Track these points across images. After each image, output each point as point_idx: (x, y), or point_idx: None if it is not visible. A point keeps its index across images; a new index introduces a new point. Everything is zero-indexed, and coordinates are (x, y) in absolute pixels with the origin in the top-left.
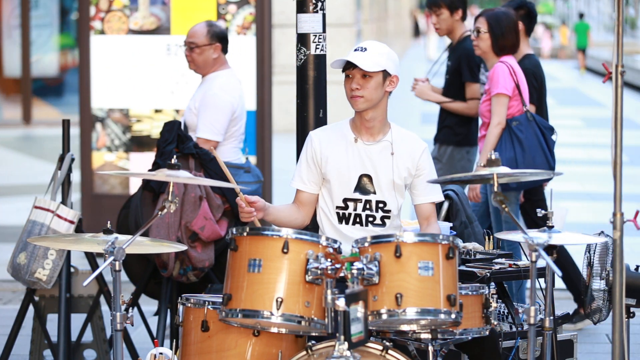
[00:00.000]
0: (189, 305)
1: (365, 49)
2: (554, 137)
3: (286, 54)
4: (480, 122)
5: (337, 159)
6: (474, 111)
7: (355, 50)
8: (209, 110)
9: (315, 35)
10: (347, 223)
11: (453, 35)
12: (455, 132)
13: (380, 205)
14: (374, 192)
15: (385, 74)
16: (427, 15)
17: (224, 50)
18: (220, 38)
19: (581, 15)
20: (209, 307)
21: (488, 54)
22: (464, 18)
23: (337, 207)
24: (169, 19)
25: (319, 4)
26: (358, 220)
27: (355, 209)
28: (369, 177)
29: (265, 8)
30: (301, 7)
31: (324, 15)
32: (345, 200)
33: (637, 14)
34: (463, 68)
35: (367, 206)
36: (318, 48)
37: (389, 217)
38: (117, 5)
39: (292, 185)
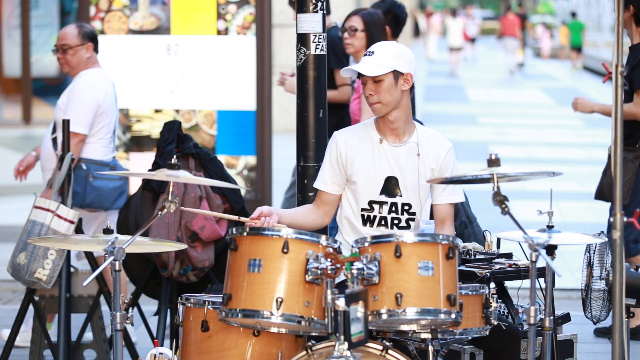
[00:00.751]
0: (189, 305)
1: (373, 53)
2: None
3: (286, 54)
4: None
5: (364, 160)
6: (347, 96)
7: (364, 55)
8: (75, 104)
9: (315, 35)
10: (371, 225)
11: None
12: (335, 124)
13: (406, 207)
14: (400, 195)
15: (397, 73)
16: (427, 15)
17: (95, 49)
18: (91, 37)
19: (573, 14)
20: (209, 307)
21: (360, 52)
22: (329, 11)
23: (363, 210)
24: (169, 19)
25: (319, 4)
26: (383, 222)
27: (380, 212)
28: (396, 179)
29: (265, 8)
30: (301, 7)
31: (324, 15)
32: (370, 203)
33: None
34: (330, 56)
35: (393, 208)
36: (318, 48)
37: (413, 220)
38: (117, 5)
39: (315, 186)
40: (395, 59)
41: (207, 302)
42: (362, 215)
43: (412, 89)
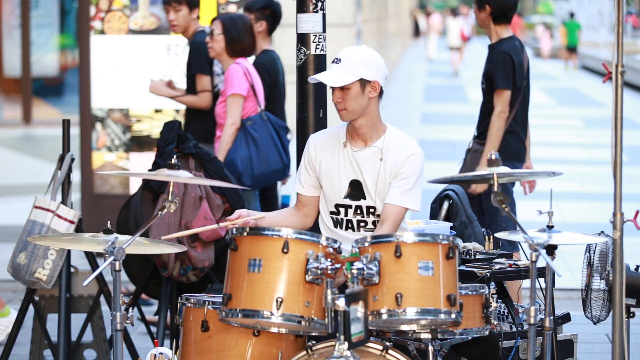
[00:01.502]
0: (189, 305)
1: (339, 60)
2: (288, 136)
3: (286, 54)
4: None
5: (329, 164)
6: (205, 103)
7: (332, 61)
8: None
9: (315, 35)
10: (341, 228)
11: (187, 33)
12: (205, 129)
13: (371, 210)
14: (364, 198)
15: (363, 81)
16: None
17: None
18: None
19: (572, 15)
20: (209, 307)
21: (222, 55)
22: (199, 16)
23: (331, 212)
24: None
25: (319, 4)
26: (350, 225)
27: (346, 215)
28: (359, 182)
29: None
30: (301, 7)
31: (324, 15)
32: (337, 206)
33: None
34: (192, 61)
35: (358, 211)
36: (318, 48)
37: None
38: (117, 5)
39: (293, 189)
40: (363, 67)
41: (207, 302)
42: (332, 218)
43: (380, 94)
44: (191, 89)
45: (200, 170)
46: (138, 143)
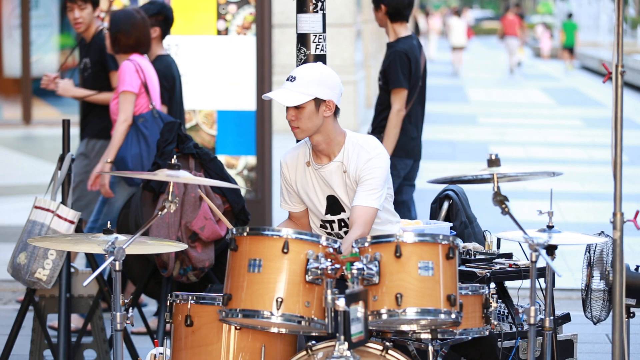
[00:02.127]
0: (177, 301)
1: (294, 79)
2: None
3: (286, 54)
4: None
5: (303, 184)
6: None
7: (287, 79)
8: None
9: (315, 35)
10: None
11: (89, 31)
12: (106, 127)
13: None
14: (344, 210)
15: (318, 100)
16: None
17: None
18: None
19: (570, 15)
20: (192, 301)
21: (119, 52)
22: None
23: (320, 226)
24: None
25: (319, 4)
26: (340, 238)
27: (332, 229)
28: (334, 197)
29: (265, 8)
30: (301, 7)
31: (324, 15)
32: (323, 222)
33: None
34: (106, 58)
35: (342, 224)
36: (318, 48)
37: None
38: (117, 5)
39: (281, 207)
40: (317, 86)
41: (190, 297)
42: (324, 232)
43: (336, 112)
44: (101, 85)
45: (200, 170)
46: None
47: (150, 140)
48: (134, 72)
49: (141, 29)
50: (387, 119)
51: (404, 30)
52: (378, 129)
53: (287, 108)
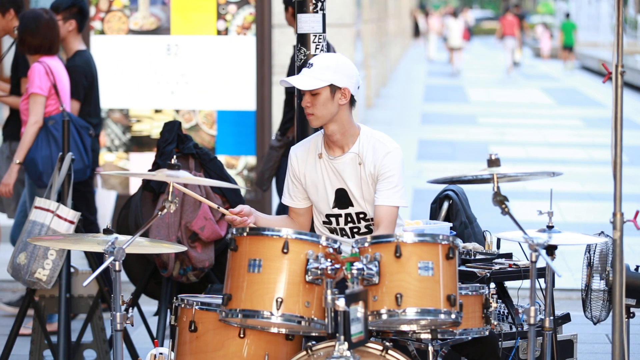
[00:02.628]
0: (183, 305)
1: (312, 65)
2: (90, 133)
3: (286, 54)
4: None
5: (313, 176)
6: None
7: (305, 66)
8: None
9: (315, 35)
10: (337, 235)
11: (12, 34)
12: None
13: (361, 216)
14: (352, 205)
15: (334, 87)
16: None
17: None
18: None
19: (567, 15)
20: (197, 307)
21: (26, 52)
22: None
23: (324, 222)
24: (169, 19)
25: (319, 4)
26: (344, 233)
27: (338, 224)
28: (344, 190)
29: (265, 8)
30: (301, 7)
31: (324, 15)
32: (328, 216)
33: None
34: (19, 63)
35: (349, 219)
36: (318, 48)
37: (373, 225)
38: (117, 5)
39: (282, 202)
40: (334, 73)
41: (195, 303)
42: (327, 227)
43: (352, 103)
44: (16, 88)
45: (200, 171)
46: (138, 143)
47: (61, 143)
48: (44, 74)
49: (48, 29)
50: (288, 121)
51: None
52: (283, 130)
53: (303, 94)
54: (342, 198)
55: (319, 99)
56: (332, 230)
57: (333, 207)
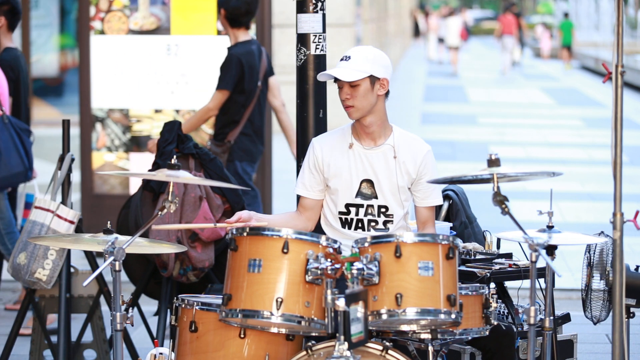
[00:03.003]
0: (183, 305)
1: (349, 58)
2: (31, 138)
3: (286, 54)
4: None
5: (339, 164)
6: None
7: (341, 59)
8: None
9: (315, 35)
10: (349, 228)
11: None
12: None
13: (383, 210)
14: (376, 197)
15: (373, 78)
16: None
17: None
18: None
19: (566, 15)
20: (197, 307)
21: None
22: None
23: (340, 213)
24: (169, 19)
25: (319, 4)
26: (360, 225)
27: (357, 214)
28: (371, 181)
29: (265, 8)
30: (301, 7)
31: (324, 15)
32: (347, 206)
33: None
34: None
35: (369, 211)
36: (318, 48)
37: (391, 222)
38: (117, 5)
39: (295, 192)
40: (372, 64)
41: (195, 303)
42: (340, 219)
43: (387, 93)
44: None
45: (200, 171)
46: (138, 143)
47: (1, 147)
48: None
49: None
50: (224, 126)
51: (244, 35)
52: (219, 135)
53: (341, 88)
54: (367, 189)
55: (359, 91)
56: (347, 221)
57: (356, 197)
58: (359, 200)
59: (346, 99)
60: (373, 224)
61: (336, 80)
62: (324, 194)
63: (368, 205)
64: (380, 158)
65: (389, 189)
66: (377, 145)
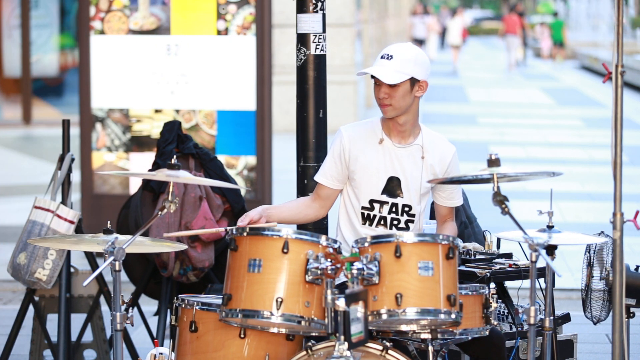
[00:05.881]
0: (183, 305)
1: (391, 57)
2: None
3: (286, 54)
4: None
5: (367, 158)
6: None
7: (382, 57)
8: None
9: (315, 35)
10: (370, 224)
11: None
12: None
13: (406, 209)
14: (402, 196)
15: (413, 80)
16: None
17: None
18: None
19: (555, 14)
20: (197, 307)
21: None
22: None
23: (363, 208)
24: (169, 19)
25: (319, 4)
26: (382, 222)
27: (380, 211)
28: (398, 179)
29: (265, 8)
30: (301, 7)
31: (323, 16)
32: (371, 202)
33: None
34: None
35: (394, 209)
36: (318, 48)
37: (412, 221)
38: (117, 5)
39: (315, 179)
40: (414, 65)
41: (195, 303)
42: (362, 214)
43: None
44: None
45: (200, 171)
46: (138, 143)
47: None
48: None
49: None
50: None
51: None
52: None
53: (379, 85)
54: (392, 186)
55: (398, 91)
56: (368, 218)
57: (382, 194)
58: (384, 198)
59: (384, 98)
60: (395, 222)
61: (373, 76)
62: (344, 185)
63: (393, 203)
64: (409, 157)
65: (415, 188)
66: (407, 143)
